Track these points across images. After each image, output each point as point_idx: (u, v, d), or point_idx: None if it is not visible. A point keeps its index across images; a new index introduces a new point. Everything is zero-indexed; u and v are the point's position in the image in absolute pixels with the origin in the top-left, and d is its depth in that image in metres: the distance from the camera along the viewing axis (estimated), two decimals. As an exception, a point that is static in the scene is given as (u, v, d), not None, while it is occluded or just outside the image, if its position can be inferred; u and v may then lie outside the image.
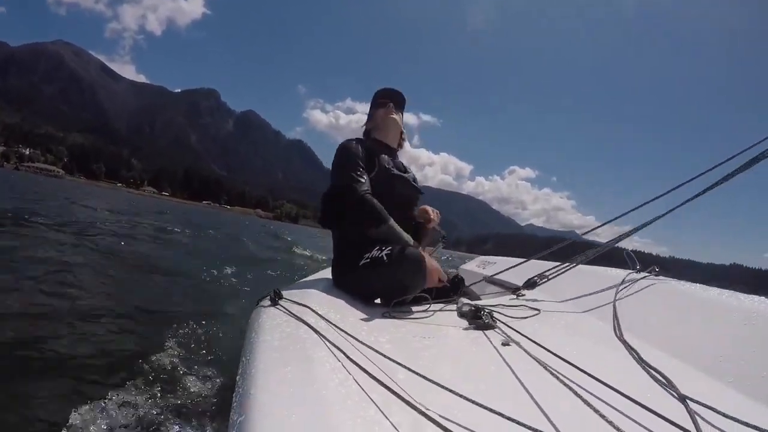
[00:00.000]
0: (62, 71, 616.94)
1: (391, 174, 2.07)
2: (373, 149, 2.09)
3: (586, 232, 2.53)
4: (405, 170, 2.23)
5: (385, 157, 2.11)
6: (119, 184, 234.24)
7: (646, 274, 1.96)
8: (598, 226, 2.51)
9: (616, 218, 2.32)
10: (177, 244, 8.62)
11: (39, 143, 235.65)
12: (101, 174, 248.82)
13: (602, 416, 0.74)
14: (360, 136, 2.30)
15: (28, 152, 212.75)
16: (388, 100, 2.25)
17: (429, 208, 2.20)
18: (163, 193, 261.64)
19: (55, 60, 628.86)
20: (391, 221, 1.88)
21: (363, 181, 1.92)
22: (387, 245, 1.79)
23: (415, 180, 2.27)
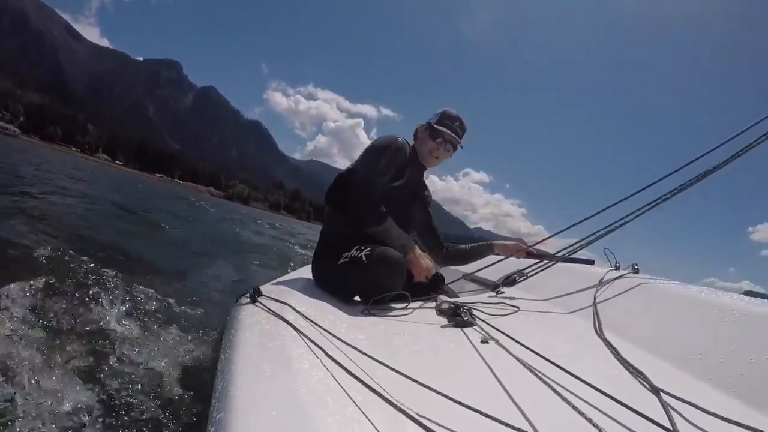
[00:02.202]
0: (26, 28, 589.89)
1: (412, 194, 2.11)
2: (409, 160, 2.08)
3: (536, 243, 2.56)
4: (425, 188, 2.26)
5: (414, 170, 2.12)
6: (74, 149, 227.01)
7: (625, 272, 1.97)
8: (548, 237, 2.59)
9: (564, 229, 2.39)
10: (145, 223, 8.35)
11: None
12: (57, 137, 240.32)
13: (581, 413, 0.74)
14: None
15: None
16: (443, 138, 2.10)
17: None
18: (117, 161, 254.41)
19: (20, 15, 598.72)
20: (388, 223, 1.85)
21: (380, 181, 1.91)
22: (367, 245, 1.79)
23: (429, 202, 2.31)
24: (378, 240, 1.87)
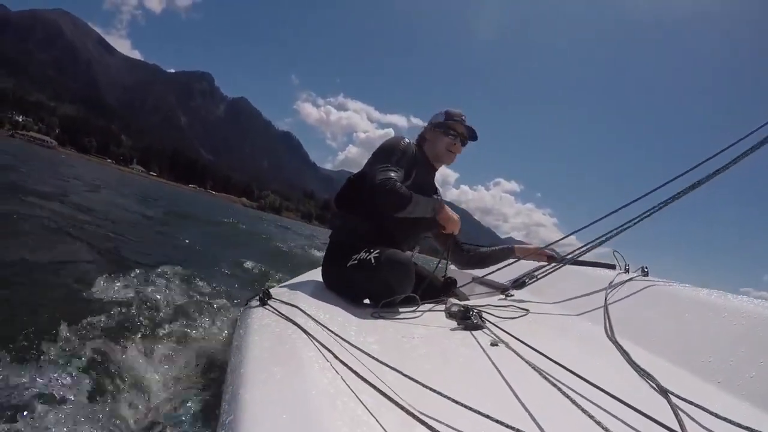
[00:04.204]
0: (59, 40, 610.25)
1: (421, 193, 2.11)
2: (417, 160, 2.09)
3: (552, 243, 2.57)
4: (435, 191, 2.25)
5: (422, 172, 2.12)
6: (109, 160, 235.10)
7: (635, 275, 1.96)
8: (563, 238, 2.58)
9: (580, 229, 2.38)
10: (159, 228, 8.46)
11: (30, 111, 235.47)
12: (92, 149, 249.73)
13: (590, 417, 0.74)
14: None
15: (21, 120, 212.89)
16: (456, 134, 2.17)
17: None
18: (151, 172, 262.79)
19: (53, 28, 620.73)
20: (415, 197, 1.86)
21: (395, 172, 1.91)
22: (376, 247, 1.79)
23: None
24: (387, 241, 1.88)
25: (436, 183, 2.32)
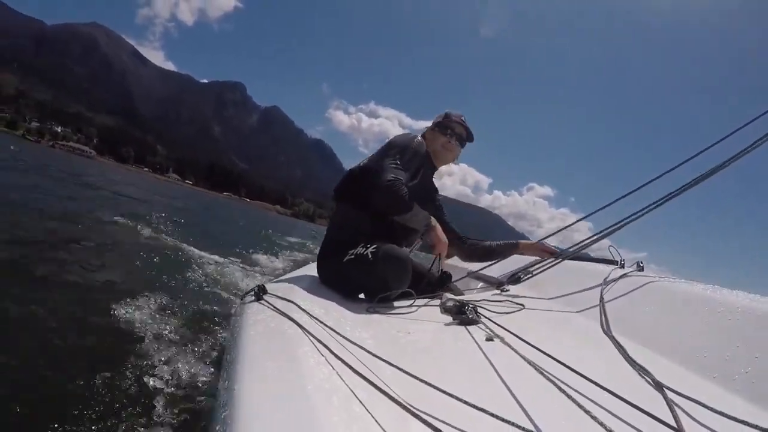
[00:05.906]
0: (95, 53, 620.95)
1: (425, 194, 2.13)
2: (424, 161, 2.15)
3: (554, 233, 2.60)
4: (435, 190, 2.34)
5: (428, 173, 2.20)
6: (146, 169, 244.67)
7: (630, 270, 1.97)
8: (571, 224, 2.59)
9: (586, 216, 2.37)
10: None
11: (69, 122, 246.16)
12: (130, 158, 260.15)
13: (586, 411, 0.74)
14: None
15: (60, 130, 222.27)
16: (452, 133, 2.26)
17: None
18: (187, 181, 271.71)
19: (89, 41, 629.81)
20: (415, 208, 1.88)
21: (402, 173, 1.92)
22: (373, 242, 1.79)
23: (440, 205, 2.37)
24: (386, 236, 1.87)
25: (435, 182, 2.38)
